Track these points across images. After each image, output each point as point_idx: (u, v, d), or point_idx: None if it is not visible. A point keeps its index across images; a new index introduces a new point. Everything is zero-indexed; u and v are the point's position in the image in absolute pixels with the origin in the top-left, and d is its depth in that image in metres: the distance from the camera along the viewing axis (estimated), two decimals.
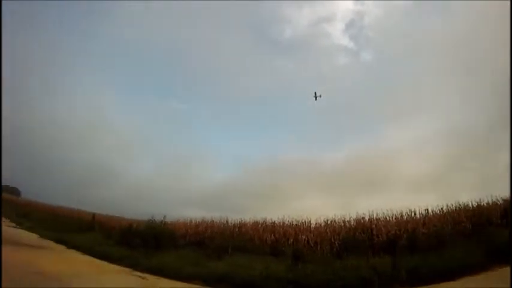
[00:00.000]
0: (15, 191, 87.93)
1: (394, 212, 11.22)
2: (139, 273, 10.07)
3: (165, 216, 16.59)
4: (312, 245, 11.19)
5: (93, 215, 23.52)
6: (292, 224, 13.01)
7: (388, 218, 11.16)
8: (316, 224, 12.47)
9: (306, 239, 11.50)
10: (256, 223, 14.26)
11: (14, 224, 20.44)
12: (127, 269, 10.69)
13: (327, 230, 11.53)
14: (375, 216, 11.42)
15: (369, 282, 7.33)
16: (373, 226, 10.82)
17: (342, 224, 11.87)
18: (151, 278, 9.60)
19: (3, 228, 16.67)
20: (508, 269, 7.01)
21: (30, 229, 19.17)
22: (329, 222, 12.12)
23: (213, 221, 16.09)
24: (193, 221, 16.98)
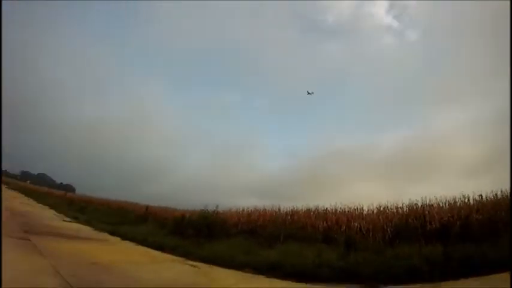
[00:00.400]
0: (69, 188, 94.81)
1: (448, 198, 10.75)
2: (191, 262, 10.48)
3: (217, 206, 17.20)
4: (364, 232, 11.17)
5: (147, 207, 24.69)
6: (345, 211, 13.02)
7: (441, 204, 10.78)
8: (368, 210, 12.42)
9: (358, 226, 11.49)
10: (308, 210, 14.35)
11: (69, 219, 21.87)
12: (180, 259, 11.17)
13: (379, 217, 11.43)
14: (427, 202, 11.08)
15: (421, 272, 7.28)
16: (426, 213, 10.53)
17: (395, 211, 11.70)
18: (204, 267, 9.96)
19: (60, 223, 18.54)
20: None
21: (85, 223, 20.42)
22: (381, 208, 12.00)
23: (265, 209, 16.31)
24: (245, 210, 17.29)
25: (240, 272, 9.40)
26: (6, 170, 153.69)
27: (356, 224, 11.58)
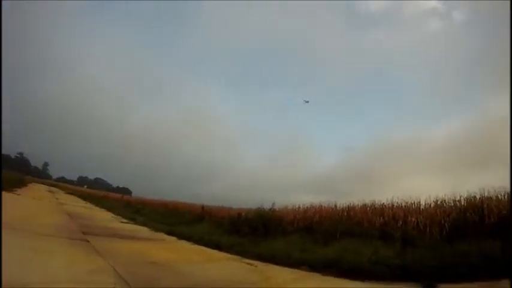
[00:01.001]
0: (126, 191, 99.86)
1: (507, 189, 10.37)
2: (247, 260, 10.88)
3: (273, 204, 17.60)
4: (421, 227, 10.98)
5: (203, 206, 25.39)
6: (401, 206, 12.88)
7: (499, 197, 10.33)
8: (425, 204, 12.19)
9: (415, 221, 11.33)
10: (364, 206, 14.31)
11: (126, 220, 23.01)
12: (236, 257, 11.61)
13: (437, 211, 11.17)
14: (485, 194, 10.63)
15: (480, 271, 7.16)
16: (484, 206, 10.11)
17: (452, 204, 11.37)
18: (260, 265, 10.29)
19: (117, 224, 19.50)
20: None
21: (142, 224, 21.40)
22: (438, 202, 11.73)
23: (321, 205, 16.38)
24: (301, 207, 17.43)
25: (295, 270, 9.64)
26: (63, 177, 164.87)
27: (413, 219, 11.46)
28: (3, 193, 21.89)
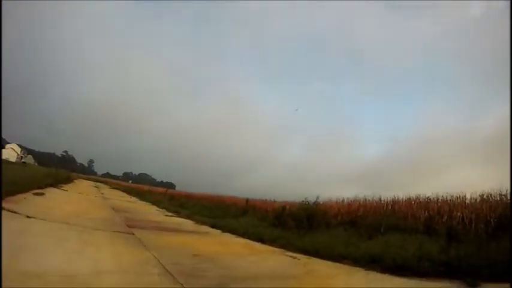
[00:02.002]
0: (170, 185, 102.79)
1: None
2: (291, 254, 11.11)
3: (317, 197, 17.59)
4: (467, 222, 10.72)
5: (247, 199, 25.78)
6: (446, 199, 12.62)
7: None
8: (471, 198, 11.92)
9: (461, 215, 11.07)
10: (409, 200, 14.15)
11: (170, 214, 23.76)
12: (279, 250, 11.87)
13: (483, 206, 10.87)
14: None
15: None
16: None
17: (498, 199, 11.06)
18: (303, 258, 10.49)
19: (162, 218, 20.19)
20: None
21: (186, 217, 21.99)
22: (484, 196, 11.42)
23: (366, 199, 16.35)
24: (345, 200, 17.48)
25: (339, 264, 9.75)
26: (108, 172, 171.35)
27: (458, 214, 11.23)
28: (52, 189, 23.38)
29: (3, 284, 4.18)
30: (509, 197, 10.84)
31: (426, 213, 12.39)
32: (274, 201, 23.35)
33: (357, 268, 9.31)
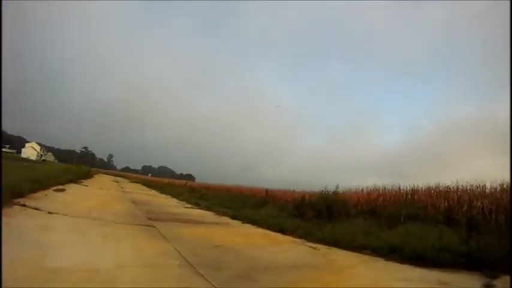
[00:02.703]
0: (189, 177, 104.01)
1: None
2: (311, 244, 11.24)
3: (337, 186, 17.55)
4: (487, 213, 10.60)
5: (266, 190, 25.75)
6: (466, 189, 12.48)
7: None
8: (491, 188, 11.70)
9: (481, 205, 10.93)
10: (429, 189, 14.02)
11: (190, 205, 24.11)
12: (299, 240, 12.01)
13: (503, 196, 10.69)
14: None
15: None
16: None
17: None
18: (323, 248, 10.62)
19: (181, 210, 20.43)
20: None
21: (206, 208, 22.28)
22: (505, 186, 11.14)
23: (385, 188, 16.27)
24: (364, 189, 17.41)
25: (358, 254, 9.90)
26: (127, 166, 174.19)
27: (478, 204, 11.08)
28: (72, 184, 24.04)
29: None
30: None
31: (446, 202, 12.28)
32: (294, 191, 23.28)
33: (377, 258, 9.45)
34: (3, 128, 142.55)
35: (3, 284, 4.19)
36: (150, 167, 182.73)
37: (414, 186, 14.91)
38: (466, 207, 11.49)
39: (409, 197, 14.51)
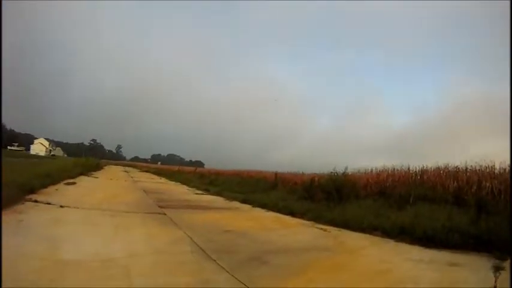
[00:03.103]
0: (199, 164, 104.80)
1: None
2: (321, 226, 11.34)
3: (346, 168, 17.54)
4: (496, 193, 10.65)
5: (276, 173, 25.82)
6: (475, 169, 12.51)
7: None
8: (499, 169, 11.73)
9: (490, 186, 10.98)
10: (438, 169, 14.06)
11: (200, 192, 24.28)
12: (309, 223, 12.13)
13: None
14: None
15: None
16: None
17: None
18: (333, 230, 10.71)
19: (192, 196, 20.60)
20: None
21: (216, 194, 22.41)
22: None
23: (394, 169, 16.34)
24: (373, 171, 17.54)
25: (369, 236, 9.97)
26: (136, 156, 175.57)
27: (487, 184, 11.11)
28: (83, 177, 24.50)
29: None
30: None
31: (455, 183, 12.34)
32: (303, 173, 23.50)
33: (387, 239, 9.51)
34: (11, 126, 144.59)
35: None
36: (159, 155, 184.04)
37: (423, 167, 14.94)
38: (475, 187, 11.53)
39: (418, 177, 14.55)
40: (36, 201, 11.03)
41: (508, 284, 5.64)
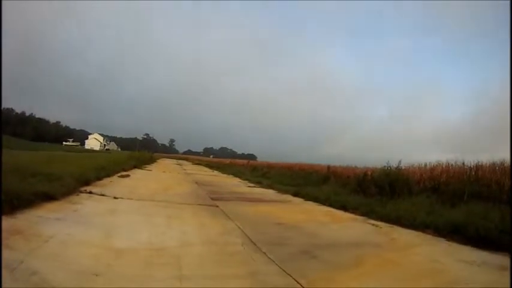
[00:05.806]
0: (251, 157, 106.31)
1: None
2: (373, 221, 11.40)
3: (399, 162, 17.29)
4: None
5: (328, 166, 25.88)
6: None
7: None
8: None
9: None
10: (493, 165, 13.62)
11: (253, 184, 24.78)
12: (361, 218, 12.20)
13: None
14: None
15: None
16: None
17: None
18: (385, 226, 10.74)
19: (244, 189, 20.97)
20: None
21: (268, 187, 22.84)
22: None
23: (448, 164, 15.93)
24: (427, 165, 17.12)
25: (421, 233, 9.87)
26: (189, 149, 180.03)
27: None
28: (136, 170, 26.10)
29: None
30: None
31: (510, 181, 11.90)
32: (356, 167, 23.28)
33: (439, 238, 9.44)
34: (66, 123, 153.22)
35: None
36: (212, 148, 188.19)
37: (478, 162, 14.46)
38: None
39: (473, 173, 14.08)
40: (90, 192, 11.56)
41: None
